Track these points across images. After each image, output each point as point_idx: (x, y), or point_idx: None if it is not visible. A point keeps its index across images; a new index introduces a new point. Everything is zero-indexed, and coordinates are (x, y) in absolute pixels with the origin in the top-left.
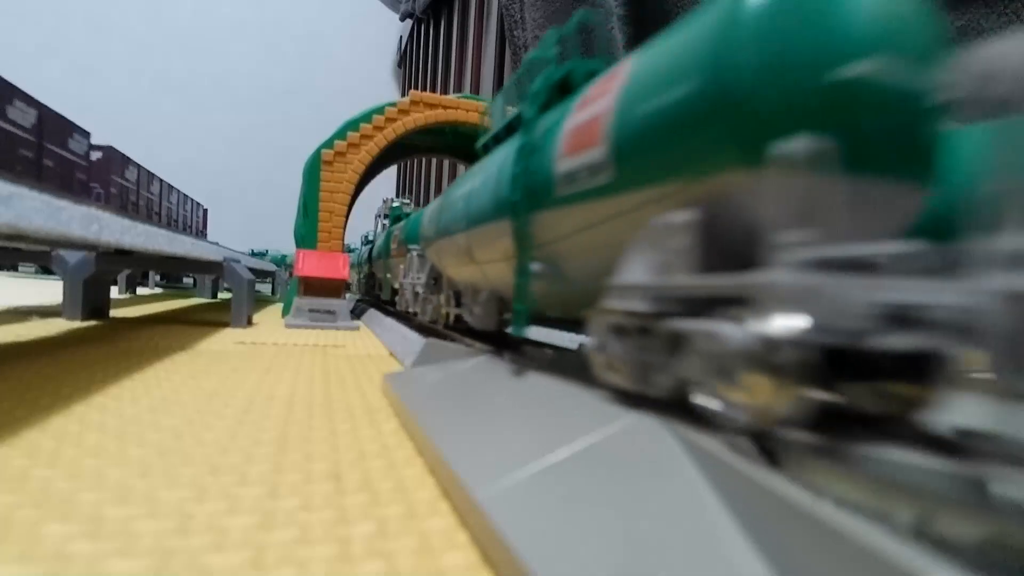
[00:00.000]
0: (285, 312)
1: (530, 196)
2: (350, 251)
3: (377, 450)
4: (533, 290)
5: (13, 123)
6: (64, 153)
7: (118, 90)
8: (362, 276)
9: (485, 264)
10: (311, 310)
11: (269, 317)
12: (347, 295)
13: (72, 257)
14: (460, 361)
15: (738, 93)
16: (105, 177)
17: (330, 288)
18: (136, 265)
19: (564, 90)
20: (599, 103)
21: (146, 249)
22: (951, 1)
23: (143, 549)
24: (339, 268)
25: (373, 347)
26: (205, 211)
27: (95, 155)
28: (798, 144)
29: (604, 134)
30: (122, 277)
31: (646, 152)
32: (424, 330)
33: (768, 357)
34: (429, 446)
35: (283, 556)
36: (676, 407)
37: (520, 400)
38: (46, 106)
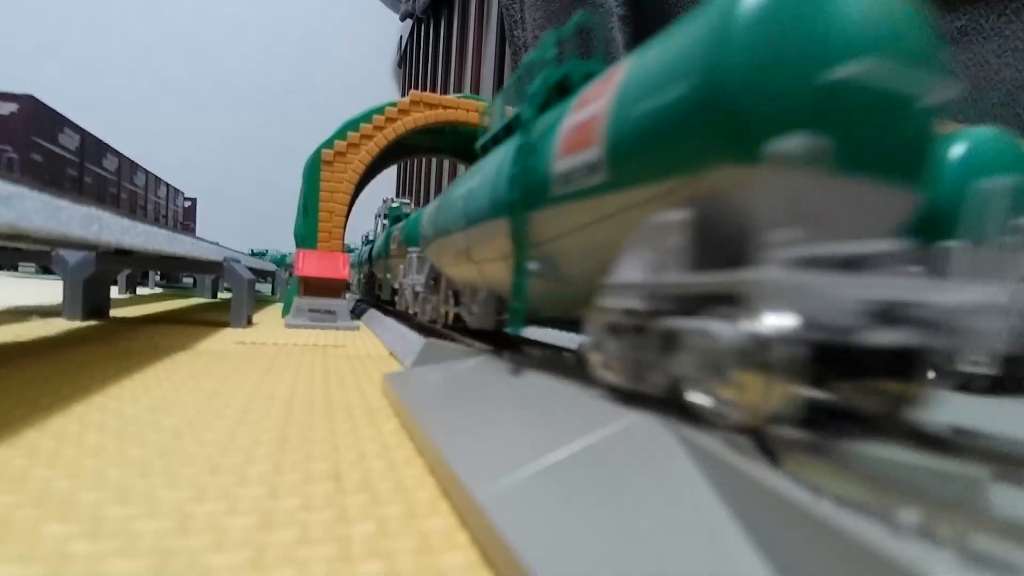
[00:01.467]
0: (285, 312)
1: (527, 195)
2: (350, 251)
3: (377, 450)
4: (530, 289)
5: (160, 197)
6: (175, 207)
7: (118, 90)
8: (362, 276)
9: (483, 263)
10: (311, 310)
11: (269, 317)
12: (347, 295)
13: (72, 257)
14: (460, 361)
15: (731, 93)
16: (192, 218)
17: (330, 288)
18: (136, 265)
19: (562, 91)
20: (596, 104)
21: (146, 249)
22: (950, 1)
23: (143, 549)
24: (339, 268)
25: (373, 347)
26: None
27: (187, 204)
28: (790, 143)
29: (600, 134)
30: (122, 277)
31: (641, 152)
32: (424, 330)
33: (759, 354)
34: (429, 446)
35: (283, 556)
36: (671, 405)
37: (520, 400)
38: (173, 186)
